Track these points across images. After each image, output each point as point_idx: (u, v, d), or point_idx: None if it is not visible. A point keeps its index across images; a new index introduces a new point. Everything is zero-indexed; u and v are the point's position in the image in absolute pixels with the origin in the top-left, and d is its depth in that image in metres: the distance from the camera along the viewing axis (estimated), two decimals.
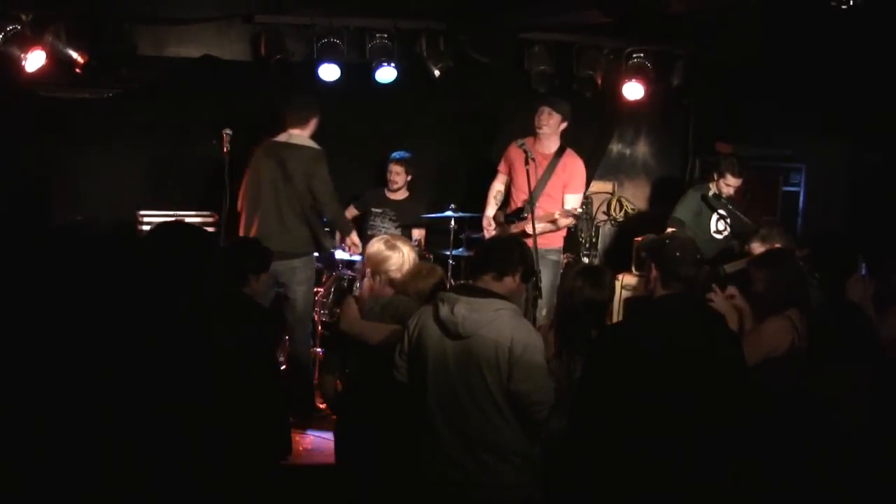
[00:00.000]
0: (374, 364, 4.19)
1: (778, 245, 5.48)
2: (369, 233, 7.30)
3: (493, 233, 6.92)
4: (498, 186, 7.09)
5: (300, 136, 6.45)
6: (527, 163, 6.29)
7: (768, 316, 4.33)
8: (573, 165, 6.87)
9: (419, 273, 4.52)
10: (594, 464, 3.58)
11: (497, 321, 3.74)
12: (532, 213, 6.17)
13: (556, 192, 6.82)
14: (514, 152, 6.82)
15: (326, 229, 6.69)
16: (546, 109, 6.79)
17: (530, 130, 6.87)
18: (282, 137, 6.47)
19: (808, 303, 4.40)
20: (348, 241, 6.64)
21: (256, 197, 6.39)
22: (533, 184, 6.41)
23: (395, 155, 7.58)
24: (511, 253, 3.97)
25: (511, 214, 6.95)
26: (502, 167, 7.08)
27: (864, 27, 6.38)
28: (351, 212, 7.58)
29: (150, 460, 3.34)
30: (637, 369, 3.50)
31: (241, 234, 6.40)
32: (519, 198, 6.88)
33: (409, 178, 7.60)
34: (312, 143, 6.47)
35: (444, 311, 3.79)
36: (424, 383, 3.84)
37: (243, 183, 6.49)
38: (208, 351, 3.60)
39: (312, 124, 6.51)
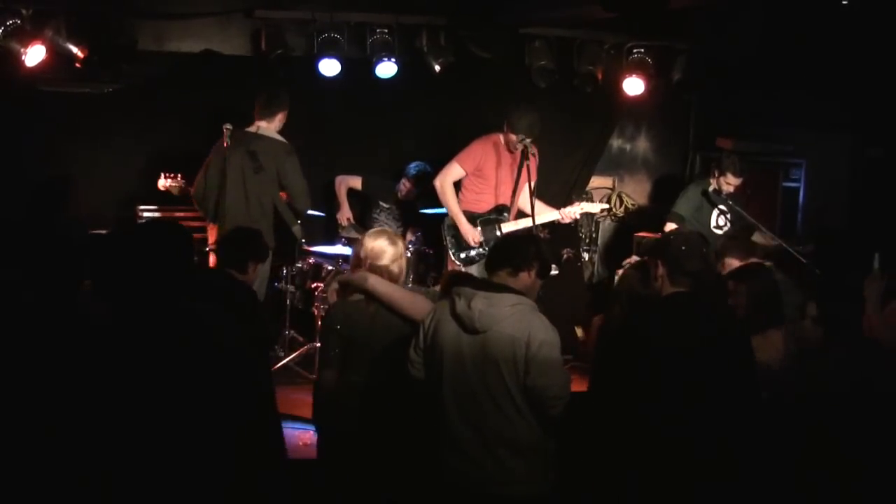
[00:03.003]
0: (383, 360, 4.16)
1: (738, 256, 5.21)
2: (374, 226, 7.28)
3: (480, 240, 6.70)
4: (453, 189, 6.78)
5: (267, 129, 6.50)
6: (526, 158, 6.34)
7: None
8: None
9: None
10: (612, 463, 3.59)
11: (513, 316, 3.72)
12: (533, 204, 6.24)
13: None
14: (492, 148, 6.65)
15: (299, 222, 6.71)
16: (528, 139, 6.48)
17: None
18: (251, 128, 6.50)
19: (783, 317, 4.35)
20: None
21: (222, 184, 6.33)
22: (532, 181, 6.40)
23: (410, 170, 7.43)
24: (526, 249, 3.97)
25: (490, 213, 6.77)
26: (468, 166, 6.69)
27: (865, 21, 6.39)
28: (355, 182, 7.56)
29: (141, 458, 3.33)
30: (649, 368, 3.50)
31: (205, 217, 6.48)
32: (498, 196, 6.74)
33: (419, 191, 7.49)
34: (280, 137, 6.51)
35: (460, 305, 3.77)
36: (440, 378, 3.81)
37: (204, 168, 6.47)
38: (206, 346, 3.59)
39: (279, 119, 6.54)
